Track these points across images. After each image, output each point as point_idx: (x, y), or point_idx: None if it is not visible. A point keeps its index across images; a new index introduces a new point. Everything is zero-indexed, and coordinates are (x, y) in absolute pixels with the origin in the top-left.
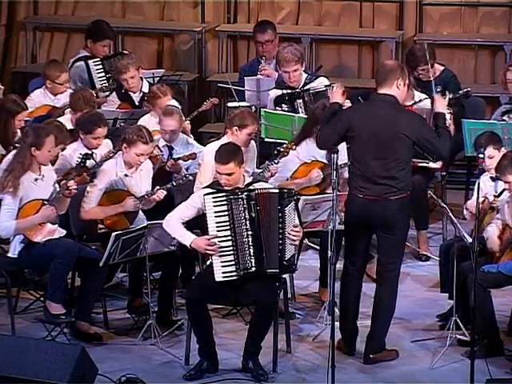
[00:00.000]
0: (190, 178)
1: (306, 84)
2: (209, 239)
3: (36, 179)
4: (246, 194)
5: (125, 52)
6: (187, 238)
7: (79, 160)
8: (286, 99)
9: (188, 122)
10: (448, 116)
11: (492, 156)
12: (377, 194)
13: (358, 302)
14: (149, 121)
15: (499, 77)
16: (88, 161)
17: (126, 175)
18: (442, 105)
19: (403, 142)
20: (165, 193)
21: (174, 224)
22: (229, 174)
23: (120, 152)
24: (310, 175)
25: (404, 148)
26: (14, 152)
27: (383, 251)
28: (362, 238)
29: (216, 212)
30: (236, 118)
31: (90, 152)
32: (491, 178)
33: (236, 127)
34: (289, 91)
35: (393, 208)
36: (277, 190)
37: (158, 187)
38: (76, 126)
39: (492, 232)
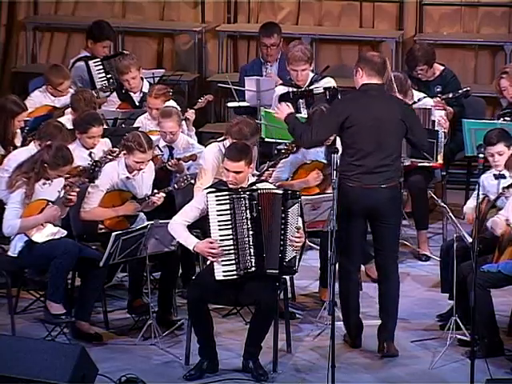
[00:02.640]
0: (192, 181)
1: (311, 83)
2: (211, 242)
3: (44, 183)
4: (247, 193)
5: (125, 52)
6: (190, 242)
7: (89, 165)
8: (291, 98)
9: (193, 111)
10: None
11: (502, 153)
12: (372, 182)
13: (358, 296)
14: (144, 121)
15: (494, 86)
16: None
17: (128, 178)
18: None
19: (400, 128)
20: (163, 195)
21: (178, 227)
22: (237, 173)
23: (122, 154)
24: (310, 177)
25: (400, 135)
26: (32, 150)
27: (383, 243)
28: (357, 230)
29: (218, 211)
30: (233, 131)
31: (99, 160)
32: (494, 175)
33: (235, 140)
34: (294, 89)
35: (387, 196)
36: (281, 191)
37: (156, 191)
38: (73, 126)
39: (496, 218)
